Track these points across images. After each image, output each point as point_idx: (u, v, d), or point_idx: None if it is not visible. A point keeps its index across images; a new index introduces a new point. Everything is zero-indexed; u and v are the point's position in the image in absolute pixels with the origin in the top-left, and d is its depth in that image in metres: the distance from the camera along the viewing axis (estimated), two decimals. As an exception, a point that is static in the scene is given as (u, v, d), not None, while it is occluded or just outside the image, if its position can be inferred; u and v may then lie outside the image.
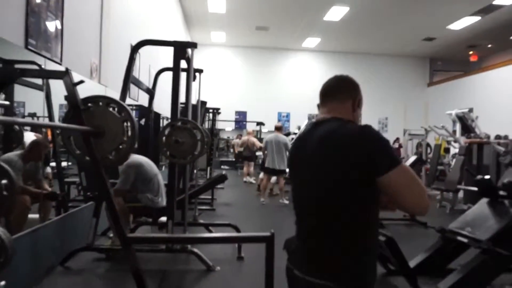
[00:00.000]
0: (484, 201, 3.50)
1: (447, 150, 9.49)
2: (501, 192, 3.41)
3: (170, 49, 3.68)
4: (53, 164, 3.66)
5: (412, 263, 3.28)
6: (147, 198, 3.91)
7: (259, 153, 10.12)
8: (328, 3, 10.51)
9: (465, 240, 3.19)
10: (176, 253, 3.73)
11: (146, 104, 5.15)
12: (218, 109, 9.57)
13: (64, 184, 3.83)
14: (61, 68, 3.35)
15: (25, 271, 2.78)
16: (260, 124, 12.97)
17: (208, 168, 8.71)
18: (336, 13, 11.23)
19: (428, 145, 10.09)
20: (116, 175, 4.00)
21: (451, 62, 16.67)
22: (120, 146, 2.12)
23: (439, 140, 9.24)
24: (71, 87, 2.05)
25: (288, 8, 11.16)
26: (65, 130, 2.17)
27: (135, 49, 3.72)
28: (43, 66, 3.19)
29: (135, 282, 2.12)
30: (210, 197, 6.56)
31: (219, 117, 10.99)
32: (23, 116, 3.19)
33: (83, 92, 2.12)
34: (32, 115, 3.37)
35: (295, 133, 10.35)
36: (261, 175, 8.06)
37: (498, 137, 8.46)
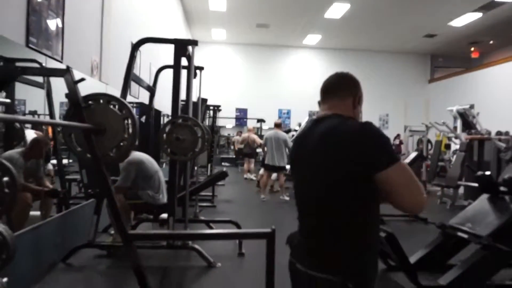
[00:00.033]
0: (484, 197, 3.51)
1: (448, 147, 9.47)
2: (502, 188, 3.42)
3: (171, 47, 3.68)
4: (54, 161, 3.67)
5: (412, 259, 3.27)
6: (148, 195, 3.92)
7: (259, 150, 10.12)
8: (329, 0, 10.48)
9: (465, 235, 3.20)
10: (177, 250, 3.74)
11: (147, 101, 5.15)
12: (219, 106, 9.57)
13: (65, 182, 3.84)
14: (62, 66, 3.35)
15: (27, 268, 2.80)
16: (260, 121, 12.96)
17: (209, 165, 8.72)
18: (337, 10, 11.22)
19: (429, 141, 10.08)
20: (117, 172, 4.01)
21: (452, 58, 16.60)
22: (121, 144, 2.12)
23: (440, 137, 9.22)
24: (72, 85, 2.06)
25: (288, 6, 11.14)
26: (66, 127, 2.18)
27: (135, 47, 3.71)
28: (44, 64, 3.20)
29: (136, 278, 2.13)
30: (210, 194, 6.57)
31: (219, 114, 10.95)
32: (24, 114, 3.20)
33: (84, 90, 2.12)
34: (33, 113, 3.37)
35: (295, 130, 10.34)
36: (261, 171, 8.06)
37: (499, 133, 8.45)
